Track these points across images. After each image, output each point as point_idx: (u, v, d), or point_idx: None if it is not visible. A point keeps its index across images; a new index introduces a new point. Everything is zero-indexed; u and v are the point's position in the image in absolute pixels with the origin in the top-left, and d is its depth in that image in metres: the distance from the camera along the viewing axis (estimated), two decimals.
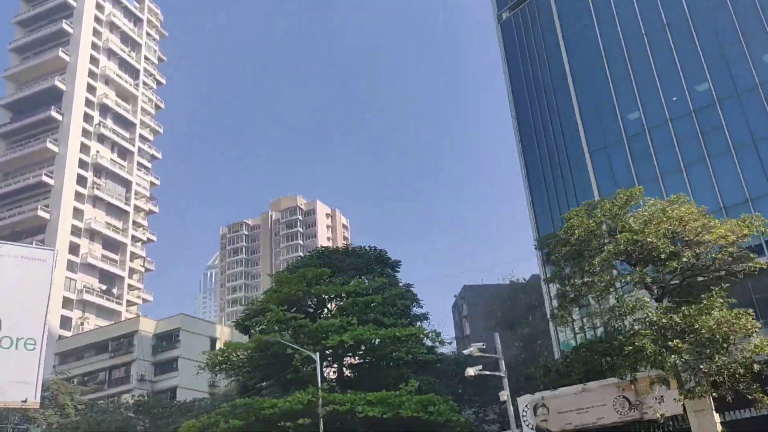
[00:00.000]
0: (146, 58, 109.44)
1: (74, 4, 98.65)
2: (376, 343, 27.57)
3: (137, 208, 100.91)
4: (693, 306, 21.25)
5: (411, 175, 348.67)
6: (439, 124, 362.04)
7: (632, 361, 21.51)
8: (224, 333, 70.60)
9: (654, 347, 20.38)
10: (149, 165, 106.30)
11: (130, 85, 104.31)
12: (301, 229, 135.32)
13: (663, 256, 21.95)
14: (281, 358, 28.34)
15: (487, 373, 24.22)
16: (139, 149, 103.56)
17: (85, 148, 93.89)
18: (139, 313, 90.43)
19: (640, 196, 24.97)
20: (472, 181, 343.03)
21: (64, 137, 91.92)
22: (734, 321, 20.44)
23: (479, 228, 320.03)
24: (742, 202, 34.52)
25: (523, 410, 27.67)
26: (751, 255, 24.25)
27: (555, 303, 42.11)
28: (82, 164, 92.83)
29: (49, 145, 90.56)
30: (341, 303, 31.51)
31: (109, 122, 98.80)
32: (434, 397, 25.71)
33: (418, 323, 32.10)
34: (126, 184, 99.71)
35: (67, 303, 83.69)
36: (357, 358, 30.66)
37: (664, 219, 22.72)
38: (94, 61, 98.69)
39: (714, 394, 21.50)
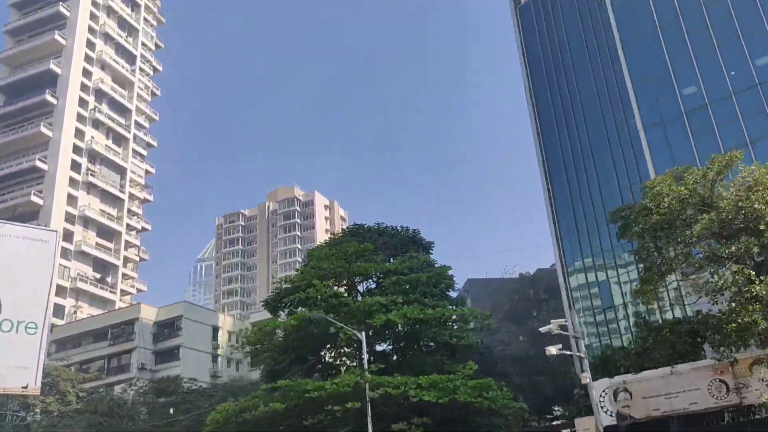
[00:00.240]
0: (143, 44, 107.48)
1: None
2: (411, 325, 26.13)
3: (132, 196, 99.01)
4: None
5: (410, 168, 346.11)
6: (442, 116, 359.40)
7: (734, 340, 20.25)
8: (226, 322, 69.18)
9: (767, 323, 19.09)
10: (144, 152, 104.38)
11: (127, 70, 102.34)
12: (299, 221, 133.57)
13: (761, 226, 20.42)
14: (318, 339, 26.94)
15: (568, 353, 23.14)
16: (135, 136, 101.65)
17: (79, 134, 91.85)
18: (132, 302, 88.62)
19: (740, 161, 23.38)
20: (476, 174, 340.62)
21: (58, 122, 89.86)
22: None
23: (480, 222, 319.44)
24: None
25: (601, 395, 26.26)
26: None
27: (569, 292, 41.03)
28: (77, 150, 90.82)
29: (44, 129, 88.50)
30: (382, 282, 30.16)
31: (104, 108, 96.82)
32: (491, 382, 24.40)
33: (456, 307, 30.73)
34: (121, 171, 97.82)
35: (60, 291, 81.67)
36: (391, 341, 29.16)
37: None
38: (90, 45, 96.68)
39: None
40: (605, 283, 42.54)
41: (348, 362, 25.86)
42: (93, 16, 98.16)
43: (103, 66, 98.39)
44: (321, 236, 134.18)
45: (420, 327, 26.50)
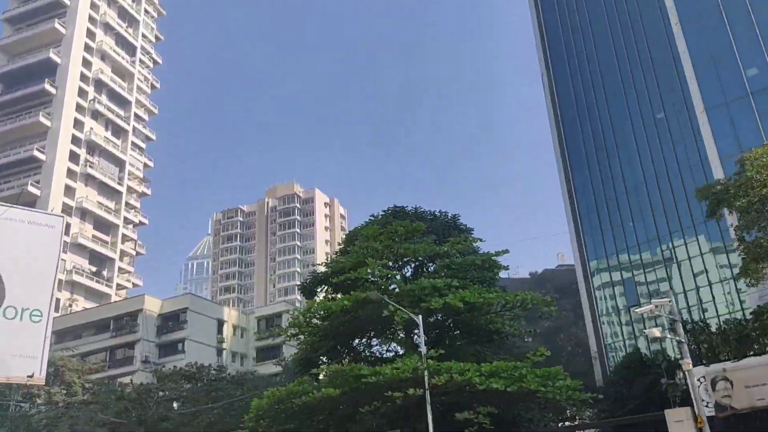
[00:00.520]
0: (144, 35, 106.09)
1: None
2: (466, 310, 24.71)
3: (130, 189, 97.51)
4: None
5: (411, 164, 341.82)
6: (442, 111, 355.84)
7: None
8: (231, 316, 67.82)
9: None
10: (143, 146, 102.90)
11: (127, 62, 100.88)
12: (298, 218, 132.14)
13: None
14: (364, 324, 25.55)
15: (669, 336, 22.06)
16: (134, 129, 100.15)
17: (78, 124, 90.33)
18: (127, 297, 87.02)
19: None
20: (477, 170, 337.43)
21: (57, 111, 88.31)
22: None
23: (481, 220, 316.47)
24: None
25: (697, 384, 24.74)
26: None
27: (593, 285, 39.90)
28: (75, 140, 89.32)
29: (42, 119, 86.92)
30: (430, 265, 28.85)
31: (104, 99, 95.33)
32: (560, 370, 23.19)
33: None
34: (119, 163, 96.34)
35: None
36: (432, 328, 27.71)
37: None
38: (90, 34, 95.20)
39: None
40: (630, 281, 41.64)
41: (399, 348, 24.53)
42: (93, 6, 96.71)
43: (103, 56, 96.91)
44: (321, 234, 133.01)
45: (472, 313, 25.30)
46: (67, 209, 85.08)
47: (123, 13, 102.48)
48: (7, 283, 43.39)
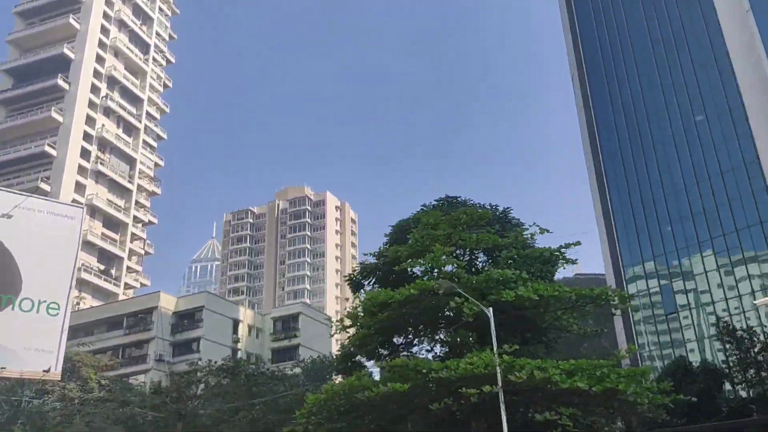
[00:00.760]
0: (157, 33, 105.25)
1: None
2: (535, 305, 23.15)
3: (140, 188, 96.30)
4: None
5: (418, 172, 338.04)
6: (449, 118, 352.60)
7: None
8: (247, 315, 66.43)
9: None
10: (155, 144, 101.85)
11: (140, 59, 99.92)
12: (309, 220, 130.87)
13: None
14: (418, 317, 24.00)
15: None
16: (146, 127, 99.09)
17: (90, 121, 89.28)
18: (134, 295, 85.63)
19: None
20: (488, 176, 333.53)
21: (69, 107, 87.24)
22: None
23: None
24: None
25: None
26: None
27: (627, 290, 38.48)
28: (87, 137, 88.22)
29: (54, 114, 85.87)
30: (487, 257, 27.34)
31: (116, 96, 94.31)
32: (648, 369, 21.71)
33: None
34: (130, 161, 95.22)
35: None
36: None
37: None
38: (104, 31, 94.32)
39: None
40: (668, 288, 40.21)
41: (466, 341, 22.92)
42: (108, 2, 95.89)
43: (117, 53, 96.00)
44: (331, 238, 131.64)
45: (537, 309, 23.79)
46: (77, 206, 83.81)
47: (137, 11, 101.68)
48: (24, 274, 42.03)
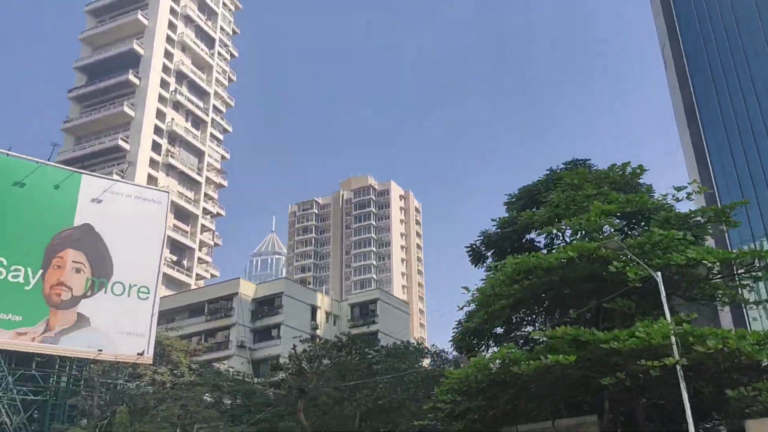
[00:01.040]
0: (222, 28, 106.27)
1: None
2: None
3: (208, 180, 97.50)
4: None
5: (484, 163, 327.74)
6: (515, 105, 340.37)
7: None
8: (324, 302, 66.19)
9: None
10: (221, 137, 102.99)
11: (206, 54, 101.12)
12: (373, 210, 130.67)
13: None
14: (569, 285, 22.26)
15: None
16: (212, 120, 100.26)
17: (160, 115, 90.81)
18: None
19: None
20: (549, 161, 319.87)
21: (140, 102, 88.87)
22: None
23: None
24: None
25: None
26: None
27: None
28: (157, 131, 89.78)
29: (126, 109, 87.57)
30: (649, 218, 25.06)
31: (184, 90, 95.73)
32: None
33: None
34: (199, 154, 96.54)
35: None
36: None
37: None
38: (171, 26, 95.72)
39: None
40: None
41: (628, 311, 21.00)
42: None
43: (184, 48, 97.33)
44: (396, 227, 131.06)
45: (709, 274, 21.81)
46: None
47: (202, 6, 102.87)
48: (114, 258, 42.61)
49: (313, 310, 63.90)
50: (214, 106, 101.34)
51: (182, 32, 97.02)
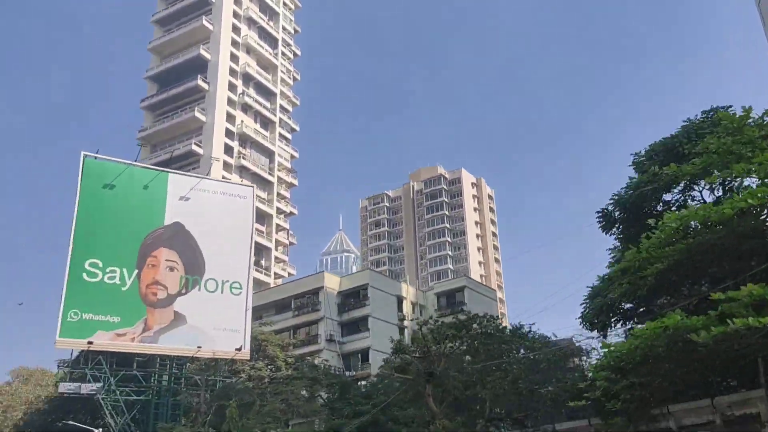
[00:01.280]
0: (283, 28, 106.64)
1: None
2: None
3: (280, 180, 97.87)
4: None
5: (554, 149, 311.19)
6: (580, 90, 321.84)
7: None
8: (409, 292, 65.02)
9: None
10: (289, 136, 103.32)
11: (270, 54, 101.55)
12: (446, 199, 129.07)
13: None
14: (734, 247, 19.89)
15: None
16: (280, 120, 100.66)
17: (230, 118, 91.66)
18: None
19: None
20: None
21: (210, 106, 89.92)
22: None
23: None
24: None
25: None
26: None
27: None
28: (228, 133, 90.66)
29: (197, 114, 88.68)
30: None
31: (251, 91, 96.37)
32: None
33: None
34: (269, 154, 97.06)
35: None
36: None
37: None
38: (235, 29, 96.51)
39: None
40: None
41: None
42: (236, 1, 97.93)
43: (249, 50, 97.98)
44: (470, 215, 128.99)
45: None
46: None
47: (264, 7, 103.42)
48: (205, 254, 42.48)
49: (399, 300, 62.81)
50: (281, 106, 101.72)
51: (246, 34, 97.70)
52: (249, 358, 41.12)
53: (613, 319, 24.98)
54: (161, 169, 45.48)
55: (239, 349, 39.55)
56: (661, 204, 25.97)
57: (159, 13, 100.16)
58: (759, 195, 17.92)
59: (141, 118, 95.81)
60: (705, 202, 22.03)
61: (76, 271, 37.96)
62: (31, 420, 50.52)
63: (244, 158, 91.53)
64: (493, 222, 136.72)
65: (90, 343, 37.22)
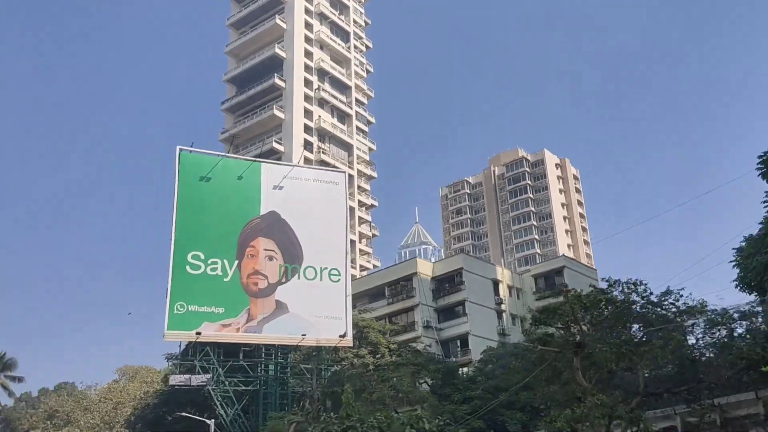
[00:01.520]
0: (354, 21, 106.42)
1: None
2: None
3: (359, 173, 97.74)
4: None
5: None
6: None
7: None
8: (505, 276, 63.27)
9: None
10: (366, 129, 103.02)
11: (342, 48, 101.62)
12: (529, 182, 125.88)
13: None
14: None
15: None
16: (356, 113, 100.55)
17: (308, 114, 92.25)
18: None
19: None
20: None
21: (288, 103, 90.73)
22: None
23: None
24: None
25: None
26: None
27: None
28: (307, 129, 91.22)
29: (276, 112, 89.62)
30: None
31: (327, 86, 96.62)
32: None
33: None
34: (347, 148, 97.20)
35: None
36: None
37: None
38: (308, 26, 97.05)
39: None
40: None
41: None
42: None
43: (322, 45, 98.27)
44: (556, 197, 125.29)
45: None
46: None
47: (334, 2, 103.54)
48: (302, 242, 42.22)
49: (495, 284, 61.01)
50: (356, 99, 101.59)
51: (318, 30, 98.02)
52: (352, 345, 40.62)
53: None
54: (254, 159, 45.57)
55: (343, 336, 39.08)
56: None
57: (234, 16, 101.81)
58: None
59: (222, 121, 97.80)
60: None
61: (180, 264, 38.41)
62: (142, 414, 51.93)
63: (323, 153, 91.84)
64: (580, 203, 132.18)
65: (198, 333, 37.57)
